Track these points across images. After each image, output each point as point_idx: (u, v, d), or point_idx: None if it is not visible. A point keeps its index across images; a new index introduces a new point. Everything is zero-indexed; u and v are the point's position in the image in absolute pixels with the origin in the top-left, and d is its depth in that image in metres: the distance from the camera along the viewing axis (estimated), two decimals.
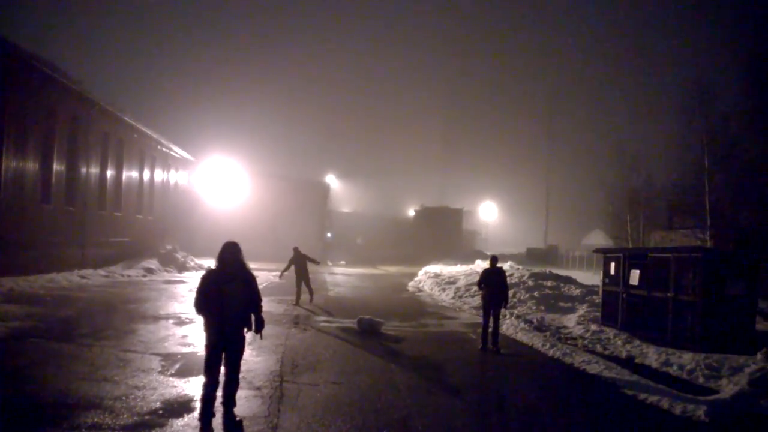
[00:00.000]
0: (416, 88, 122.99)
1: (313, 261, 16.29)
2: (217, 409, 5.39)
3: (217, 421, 5.36)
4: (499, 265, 10.74)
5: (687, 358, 9.17)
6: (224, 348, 5.33)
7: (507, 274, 21.07)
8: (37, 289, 15.26)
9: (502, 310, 10.30)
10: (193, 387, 6.67)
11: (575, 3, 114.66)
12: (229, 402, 5.41)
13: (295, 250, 15.89)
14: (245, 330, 5.43)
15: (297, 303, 15.13)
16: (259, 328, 5.48)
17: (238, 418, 5.42)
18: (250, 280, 5.48)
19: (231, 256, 5.40)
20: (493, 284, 10.25)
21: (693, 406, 6.72)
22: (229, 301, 5.22)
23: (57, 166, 19.20)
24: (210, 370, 5.31)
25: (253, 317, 5.46)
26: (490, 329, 10.11)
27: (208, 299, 5.27)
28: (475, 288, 13.49)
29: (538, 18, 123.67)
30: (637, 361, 9.65)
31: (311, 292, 15.76)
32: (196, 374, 7.24)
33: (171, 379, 7.00)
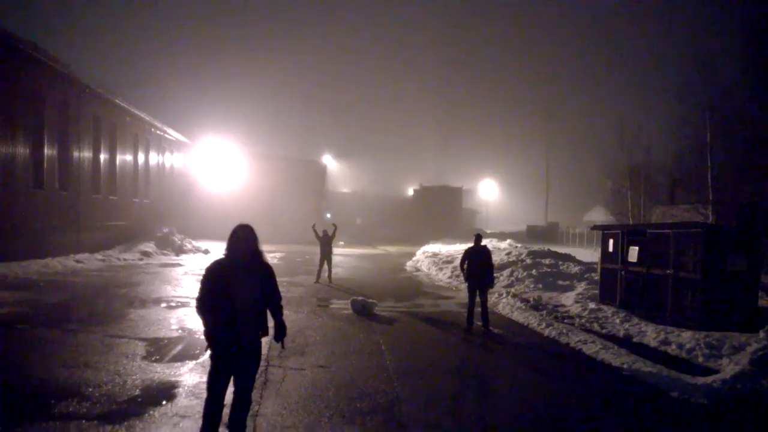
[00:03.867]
0: (414, 65, 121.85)
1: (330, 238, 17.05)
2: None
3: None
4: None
5: (686, 336, 8.96)
6: (234, 362, 4.18)
7: (505, 252, 21.00)
8: (31, 274, 15.12)
9: (493, 289, 10.07)
10: (176, 373, 6.50)
11: None
12: (237, 427, 4.31)
13: (324, 232, 16.91)
14: (260, 336, 4.31)
15: (318, 281, 16.37)
16: (280, 336, 4.37)
17: None
18: (268, 273, 4.33)
19: (243, 244, 4.23)
20: (477, 263, 10.02)
21: (691, 388, 6.54)
22: (242, 300, 4.12)
23: (48, 151, 18.91)
24: (213, 389, 4.20)
25: (272, 321, 4.34)
26: (479, 309, 9.92)
27: (214, 298, 4.13)
28: None
29: None
30: (635, 340, 9.46)
31: (330, 272, 16.83)
32: (181, 359, 7.09)
33: (154, 365, 6.82)
